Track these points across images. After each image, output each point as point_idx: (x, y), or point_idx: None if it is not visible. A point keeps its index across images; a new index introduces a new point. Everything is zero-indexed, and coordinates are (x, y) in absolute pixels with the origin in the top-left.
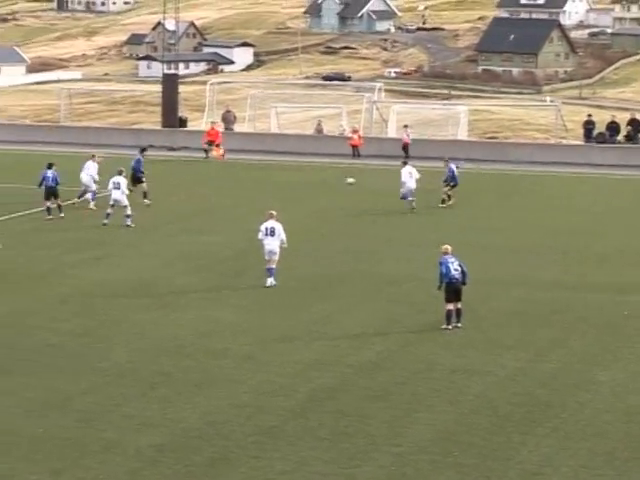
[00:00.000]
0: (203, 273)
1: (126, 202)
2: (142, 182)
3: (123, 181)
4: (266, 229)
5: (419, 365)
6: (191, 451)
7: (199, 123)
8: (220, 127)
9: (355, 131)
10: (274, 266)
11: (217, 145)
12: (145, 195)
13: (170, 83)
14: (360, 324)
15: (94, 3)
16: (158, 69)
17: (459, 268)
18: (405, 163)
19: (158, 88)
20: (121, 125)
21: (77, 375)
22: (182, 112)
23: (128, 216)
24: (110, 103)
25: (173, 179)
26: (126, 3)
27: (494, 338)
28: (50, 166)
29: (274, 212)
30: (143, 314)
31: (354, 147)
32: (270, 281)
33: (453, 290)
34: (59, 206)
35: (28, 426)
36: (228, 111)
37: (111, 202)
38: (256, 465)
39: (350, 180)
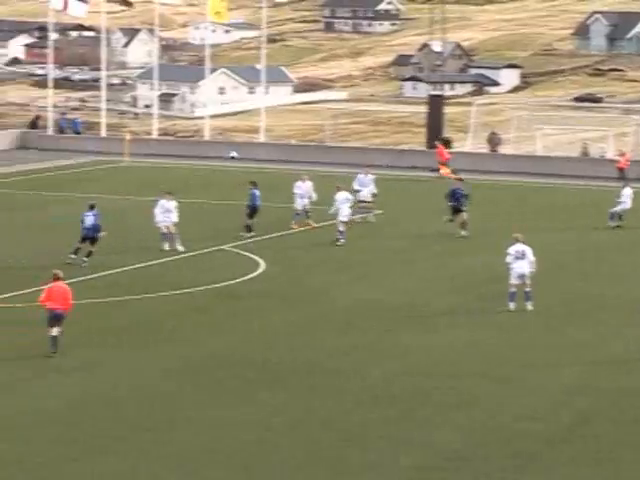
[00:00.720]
0: (463, 295)
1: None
2: (462, 212)
3: (350, 197)
4: (516, 252)
5: None
6: (451, 472)
7: (463, 144)
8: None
9: (622, 154)
10: (529, 289)
11: (444, 163)
12: (463, 226)
13: (435, 104)
14: (621, 349)
15: (361, 24)
16: (423, 90)
17: None
18: (626, 184)
19: (423, 109)
20: (385, 145)
21: (339, 394)
22: (447, 133)
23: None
24: (375, 123)
25: (436, 200)
26: (393, 24)
27: None
28: (256, 185)
29: (520, 235)
30: (404, 334)
31: (620, 170)
32: (529, 304)
33: None
34: (247, 226)
35: (289, 444)
36: (494, 133)
37: (342, 218)
38: None
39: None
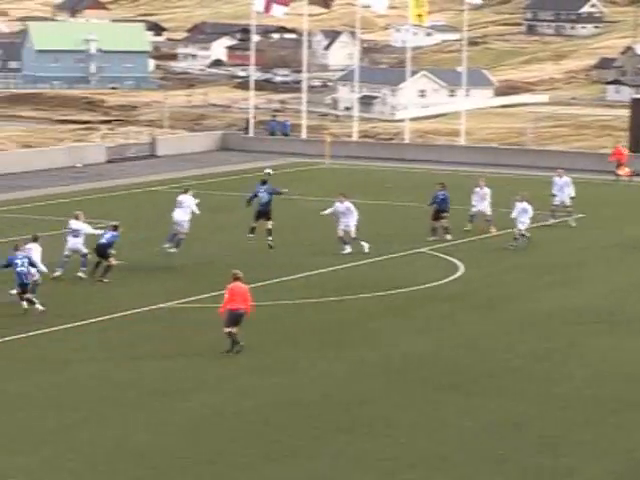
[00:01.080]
0: None
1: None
2: None
3: (529, 207)
4: None
5: None
6: None
7: None
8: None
9: None
10: None
11: (622, 164)
12: None
13: (638, 107)
14: None
15: (563, 27)
16: (627, 93)
17: None
18: None
19: (626, 112)
20: (586, 149)
21: (534, 398)
22: None
23: (517, 238)
24: (577, 127)
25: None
26: (596, 27)
27: None
28: (444, 187)
29: None
30: (602, 339)
31: None
32: None
33: None
34: (445, 228)
35: (481, 447)
36: None
37: (520, 226)
38: None
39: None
